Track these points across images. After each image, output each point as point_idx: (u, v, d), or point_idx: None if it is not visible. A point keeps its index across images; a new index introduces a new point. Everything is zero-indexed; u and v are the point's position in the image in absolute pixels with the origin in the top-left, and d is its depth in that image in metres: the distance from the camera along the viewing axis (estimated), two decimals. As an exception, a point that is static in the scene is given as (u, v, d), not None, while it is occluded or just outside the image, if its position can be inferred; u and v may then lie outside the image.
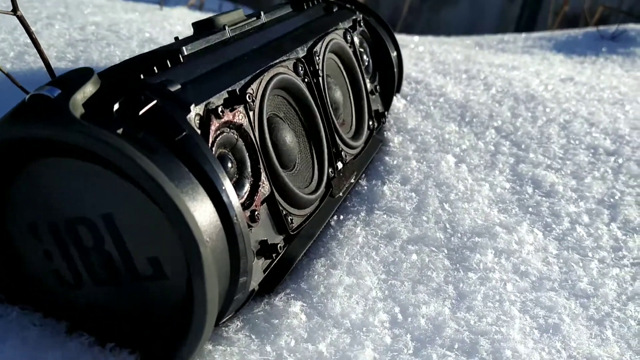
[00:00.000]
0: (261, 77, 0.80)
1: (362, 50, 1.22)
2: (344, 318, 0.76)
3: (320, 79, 0.96)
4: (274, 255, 0.76)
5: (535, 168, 1.21)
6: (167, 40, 1.54)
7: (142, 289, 0.64)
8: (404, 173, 1.13)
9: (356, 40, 1.17)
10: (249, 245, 0.66)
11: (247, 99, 0.74)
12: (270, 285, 0.79)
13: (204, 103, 0.68)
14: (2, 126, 0.59)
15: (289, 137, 0.85)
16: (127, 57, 1.04)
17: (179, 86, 0.68)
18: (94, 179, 0.60)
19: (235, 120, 0.72)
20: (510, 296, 0.85)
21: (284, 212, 0.81)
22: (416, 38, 2.51)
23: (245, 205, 0.72)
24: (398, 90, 1.39)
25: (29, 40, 1.35)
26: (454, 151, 1.23)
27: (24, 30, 0.91)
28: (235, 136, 0.73)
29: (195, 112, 0.66)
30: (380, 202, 1.04)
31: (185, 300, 0.62)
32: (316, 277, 0.83)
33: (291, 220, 0.82)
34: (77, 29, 1.55)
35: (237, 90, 0.73)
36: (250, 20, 0.94)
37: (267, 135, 0.77)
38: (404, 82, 1.51)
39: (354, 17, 1.20)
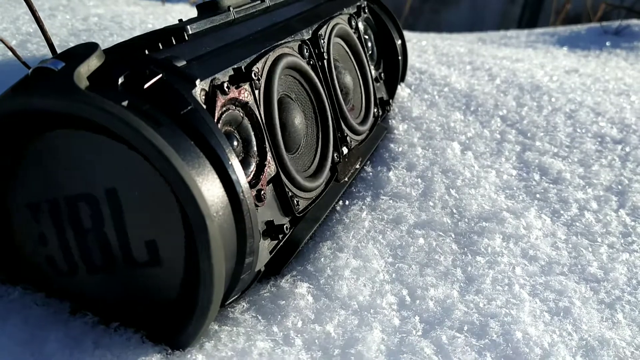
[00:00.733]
0: (266, 56, 0.79)
1: (366, 37, 1.21)
2: (351, 300, 0.75)
3: (325, 62, 0.95)
4: (280, 236, 0.75)
5: (542, 156, 1.19)
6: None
7: (137, 275, 0.62)
8: (409, 160, 1.12)
9: (361, 26, 1.16)
10: (256, 223, 0.64)
11: (253, 76, 0.73)
12: (276, 268, 0.78)
13: (210, 79, 0.67)
14: (3, 99, 0.58)
15: (298, 119, 0.84)
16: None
17: (184, 62, 0.67)
18: (97, 153, 0.58)
19: (241, 98, 0.71)
20: (519, 280, 0.83)
21: (290, 194, 0.79)
22: (418, 34, 2.50)
23: (251, 185, 0.71)
24: (402, 79, 1.38)
25: (31, 29, 1.34)
26: (460, 139, 1.22)
27: (27, 18, 0.89)
28: (241, 114, 0.72)
29: (200, 87, 0.65)
30: (386, 188, 1.03)
31: (188, 282, 0.61)
32: (322, 259, 0.82)
33: (297, 202, 0.81)
34: (79, 19, 1.54)
35: (243, 68, 0.72)
36: (254, 3, 0.93)
37: (275, 114, 0.76)
38: (408, 72, 1.49)
39: (358, 4, 1.19)
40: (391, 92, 1.29)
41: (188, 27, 0.75)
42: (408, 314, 0.74)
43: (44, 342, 0.60)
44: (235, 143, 0.71)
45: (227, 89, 0.68)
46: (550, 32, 2.73)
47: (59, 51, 1.26)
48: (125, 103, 0.57)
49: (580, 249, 0.92)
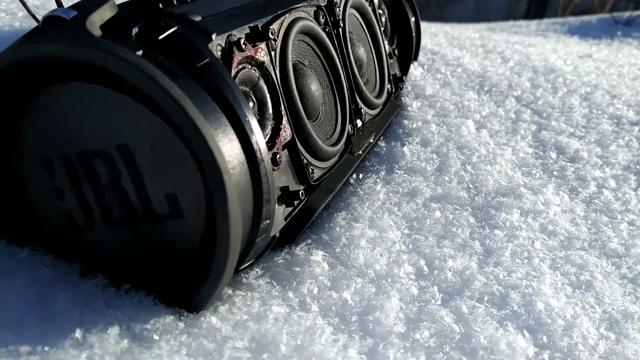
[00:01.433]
0: (283, 17, 0.76)
1: (380, 12, 1.18)
2: (368, 268, 0.72)
3: (340, 30, 0.92)
4: (295, 202, 0.73)
5: (558, 135, 1.17)
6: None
7: (158, 229, 0.60)
8: (423, 136, 1.09)
9: (375, 0, 1.13)
10: (273, 186, 0.62)
11: (270, 35, 0.71)
12: (291, 236, 0.76)
13: (226, 34, 0.65)
14: (13, 48, 0.55)
15: (314, 86, 0.82)
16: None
17: (199, 17, 0.64)
18: (112, 105, 0.56)
19: (257, 57, 0.69)
20: (539, 253, 0.81)
21: (305, 162, 0.77)
22: (426, 23, 2.48)
23: (267, 147, 0.68)
24: (415, 58, 1.36)
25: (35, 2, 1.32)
26: (474, 117, 1.19)
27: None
28: (257, 74, 0.70)
29: (217, 42, 0.62)
30: (401, 162, 1.00)
31: (205, 240, 0.59)
32: (337, 229, 0.80)
33: (312, 170, 0.79)
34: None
35: (260, 26, 0.70)
36: (269, -30, 0.91)
37: (291, 77, 0.74)
38: (420, 53, 1.47)
39: (373, -23, 1.16)
40: (404, 69, 1.27)
41: (203, -14, 0.72)
42: (426, 283, 0.72)
43: (54, 301, 0.58)
44: (250, 104, 0.68)
45: (243, 46, 0.65)
46: (560, 22, 2.70)
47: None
48: (139, 53, 0.54)
49: (600, 225, 0.90)
